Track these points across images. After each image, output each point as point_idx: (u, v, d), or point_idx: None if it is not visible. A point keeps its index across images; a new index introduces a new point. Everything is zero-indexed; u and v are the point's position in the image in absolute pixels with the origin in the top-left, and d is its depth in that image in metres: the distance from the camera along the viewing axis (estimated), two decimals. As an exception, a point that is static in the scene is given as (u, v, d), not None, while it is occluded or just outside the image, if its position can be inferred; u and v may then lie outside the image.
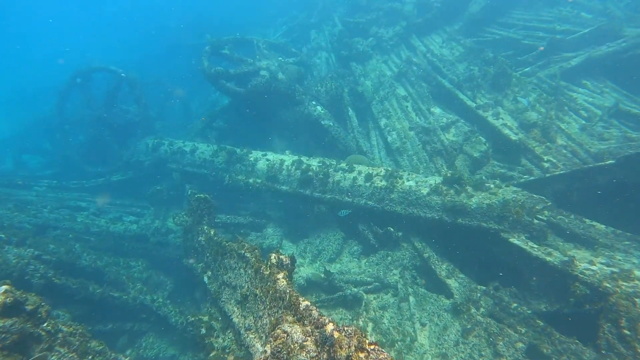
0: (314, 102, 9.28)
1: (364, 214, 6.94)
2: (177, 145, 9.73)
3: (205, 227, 6.18)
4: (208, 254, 5.82)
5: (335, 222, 7.59)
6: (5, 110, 21.04)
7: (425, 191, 6.22)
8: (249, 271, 4.34)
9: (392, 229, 6.53)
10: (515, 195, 5.66)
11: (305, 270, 6.77)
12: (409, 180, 6.48)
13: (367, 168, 7.00)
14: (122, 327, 6.51)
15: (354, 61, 11.01)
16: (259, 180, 7.96)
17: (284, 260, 3.89)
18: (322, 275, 6.32)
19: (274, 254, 3.92)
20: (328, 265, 6.87)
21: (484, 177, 6.75)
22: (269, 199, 8.34)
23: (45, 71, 23.43)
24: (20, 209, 7.71)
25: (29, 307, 3.63)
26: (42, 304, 3.76)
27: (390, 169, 6.75)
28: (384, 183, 6.59)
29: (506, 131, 7.10)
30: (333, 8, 14.76)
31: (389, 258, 6.51)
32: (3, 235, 6.11)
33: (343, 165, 7.19)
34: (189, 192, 7.60)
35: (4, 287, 3.55)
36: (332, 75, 9.95)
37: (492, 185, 5.89)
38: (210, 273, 5.68)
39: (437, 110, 8.43)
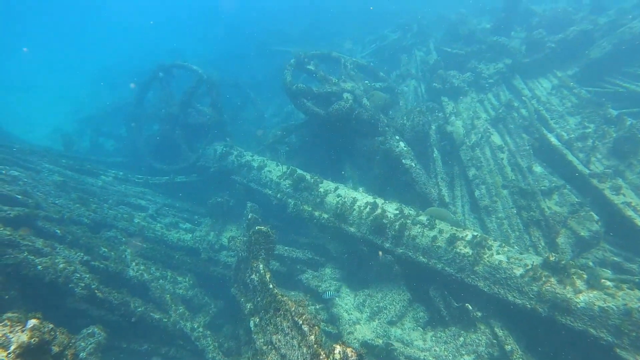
0: (397, 137, 8.53)
1: (439, 279, 6.08)
2: (245, 158, 9.43)
3: (262, 265, 5.67)
4: (259, 299, 5.29)
5: (402, 278, 6.79)
6: (94, 89, 22.34)
7: (518, 272, 5.25)
8: (304, 350, 3.71)
9: (470, 306, 5.61)
10: (641, 305, 4.55)
11: (361, 330, 6.04)
12: (499, 254, 5.53)
13: (450, 228, 6.13)
14: (157, 350, 6.17)
15: (446, 96, 10.11)
16: (325, 216, 7.36)
17: (350, 355, 3.21)
18: (381, 342, 5.58)
19: (339, 347, 3.24)
20: (388, 328, 6.09)
21: (593, 265, 5.62)
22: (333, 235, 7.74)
23: (132, 56, 24.67)
24: (83, 201, 7.71)
25: (55, 349, 3.26)
26: (70, 342, 3.39)
27: (478, 235, 5.83)
28: (468, 250, 5.70)
29: (629, 212, 5.90)
30: (429, 32, 13.94)
31: (461, 339, 5.59)
32: (59, 232, 5.99)
33: (422, 218, 6.38)
34: (250, 216, 7.18)
35: (33, 321, 3.19)
36: (420, 108, 9.13)
37: (609, 284, 4.80)
38: (258, 320, 5.14)
39: (538, 169, 7.35)
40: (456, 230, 6.07)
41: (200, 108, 11.84)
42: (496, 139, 8.37)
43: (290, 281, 7.48)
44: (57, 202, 7.13)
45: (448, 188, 7.88)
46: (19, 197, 6.33)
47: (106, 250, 6.39)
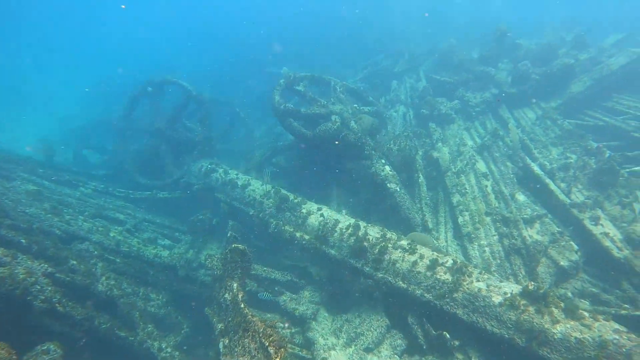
0: (383, 161, 8.55)
1: (418, 305, 5.98)
2: (230, 176, 9.36)
3: (235, 284, 5.55)
4: (230, 319, 5.16)
5: (381, 304, 6.66)
6: (86, 101, 22.27)
7: (497, 300, 5.18)
8: (270, 373, 3.58)
9: (447, 335, 5.50)
10: (617, 337, 4.48)
11: (336, 356, 5.88)
12: (479, 281, 5.47)
13: (431, 253, 6.08)
14: (121, 370, 5.96)
15: (434, 122, 10.23)
16: (307, 237, 7.27)
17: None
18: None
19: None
20: (364, 355, 5.94)
21: (570, 295, 5.58)
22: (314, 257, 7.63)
23: (128, 70, 24.81)
24: (57, 211, 7.55)
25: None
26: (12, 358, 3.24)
27: (458, 260, 5.78)
28: (448, 277, 5.63)
29: (607, 243, 5.90)
30: (420, 61, 14.20)
31: (439, 368, 5.47)
32: (24, 241, 5.81)
33: (404, 243, 6.32)
34: (229, 234, 7.08)
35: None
36: (407, 134, 9.20)
37: (586, 314, 4.75)
38: (227, 342, 4.99)
39: (521, 197, 7.37)
40: (437, 255, 6.01)
41: (189, 125, 11.84)
42: (481, 166, 8.43)
43: (268, 303, 7.32)
44: (27, 211, 6.96)
45: (432, 213, 7.86)
46: (-18, 204, 6.19)
47: (75, 262, 6.20)
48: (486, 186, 7.76)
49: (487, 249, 6.55)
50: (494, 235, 6.69)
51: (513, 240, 6.33)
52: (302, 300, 7.05)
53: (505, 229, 6.66)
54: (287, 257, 8.22)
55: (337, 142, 8.84)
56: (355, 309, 6.89)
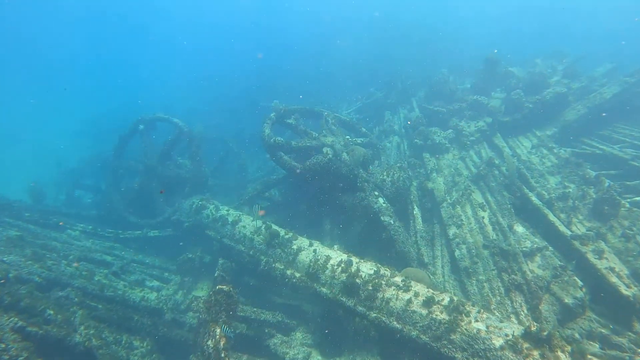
0: (376, 193, 8.32)
1: (414, 347, 5.59)
2: (221, 212, 9.10)
3: (218, 330, 5.19)
4: (213, 369, 4.79)
5: (377, 345, 6.26)
6: (80, 141, 22.26)
7: (498, 343, 4.81)
8: None
9: (447, 381, 5.10)
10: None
11: (329, 406, 5.46)
12: (478, 321, 5.12)
13: (426, 290, 5.74)
14: None
15: (428, 152, 10.06)
16: (297, 275, 6.94)
17: None
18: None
19: None
20: (359, 404, 5.50)
21: (578, 337, 5.21)
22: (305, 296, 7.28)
23: (120, 108, 24.95)
24: (38, 257, 7.23)
25: None
26: None
27: (455, 298, 5.44)
28: (445, 316, 5.28)
29: (613, 279, 5.58)
30: (413, 91, 14.22)
31: (438, 418, 5.03)
32: (-5, 293, 5.49)
33: (398, 279, 5.99)
34: (217, 274, 6.76)
35: None
36: (401, 164, 9.01)
37: None
38: (210, 395, 4.61)
39: (519, 228, 7.09)
40: (433, 293, 5.67)
41: (181, 161, 11.67)
42: (477, 196, 8.19)
43: (259, 346, 6.90)
44: (5, 259, 6.66)
45: (428, 247, 7.56)
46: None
47: (52, 312, 5.85)
48: (483, 217, 7.49)
49: (486, 284, 6.21)
50: (493, 269, 6.37)
51: (513, 276, 6.01)
52: (293, 343, 6.66)
53: (504, 262, 6.35)
54: (280, 296, 7.87)
55: (329, 176, 8.67)
56: (349, 351, 6.50)
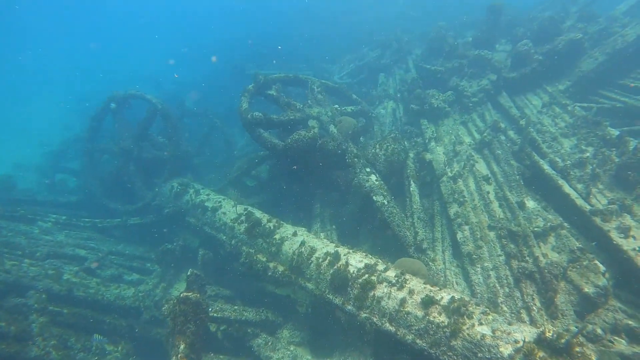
0: (367, 169, 7.44)
1: (410, 353, 4.89)
2: (201, 197, 8.35)
3: (183, 345, 4.52)
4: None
5: (370, 345, 5.59)
6: (68, 120, 21.35)
7: (506, 351, 4.06)
8: None
9: (448, 393, 4.41)
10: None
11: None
12: (482, 324, 4.35)
13: (423, 287, 4.96)
14: None
15: (426, 118, 9.07)
16: (280, 269, 6.23)
17: None
18: None
19: None
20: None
21: (601, 332, 4.44)
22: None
23: (110, 83, 23.92)
24: (-3, 257, 6.62)
25: None
26: None
27: (456, 297, 4.66)
28: (444, 319, 4.52)
29: (642, 263, 4.75)
30: (408, 49, 12.99)
31: None
32: None
33: (390, 274, 5.22)
34: (189, 272, 6.03)
35: None
36: (395, 135, 8.06)
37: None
38: None
39: (530, 203, 6.22)
40: (430, 290, 4.90)
41: (161, 141, 10.83)
42: (482, 167, 7.29)
43: (242, 347, 6.30)
44: (-43, 263, 6.02)
45: (427, 228, 6.74)
46: None
47: (4, 324, 5.24)
48: (488, 192, 6.62)
49: (492, 273, 5.42)
50: (500, 255, 5.56)
51: (523, 263, 5.19)
52: (279, 345, 6.02)
53: (513, 246, 5.53)
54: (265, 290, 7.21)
55: (315, 152, 7.81)
56: (341, 352, 5.85)
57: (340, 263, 5.64)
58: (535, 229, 5.63)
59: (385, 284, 5.13)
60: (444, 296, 4.72)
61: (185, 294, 4.88)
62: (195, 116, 13.64)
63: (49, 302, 6.15)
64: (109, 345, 6.26)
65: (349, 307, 5.30)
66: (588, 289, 4.79)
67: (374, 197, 6.95)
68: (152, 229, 9.32)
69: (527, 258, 5.27)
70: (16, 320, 5.51)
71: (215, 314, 5.74)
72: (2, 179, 10.87)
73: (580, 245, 5.25)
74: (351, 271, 5.46)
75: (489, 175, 6.97)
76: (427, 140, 8.40)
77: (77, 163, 13.99)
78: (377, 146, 7.94)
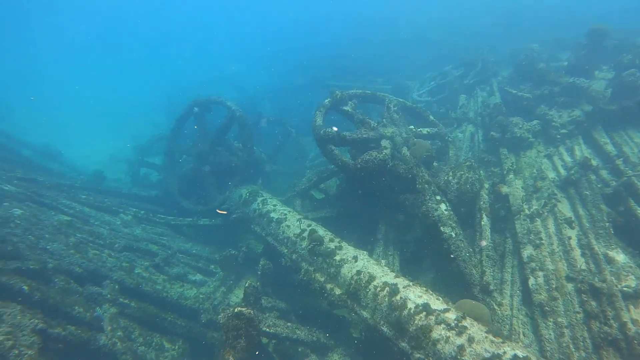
0: (438, 197, 7.15)
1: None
2: (267, 207, 8.56)
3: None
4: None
5: (423, 387, 5.33)
6: (156, 116, 23.07)
7: None
8: None
9: None
10: None
11: None
12: (550, 391, 3.97)
13: (484, 335, 4.62)
14: None
15: (506, 147, 8.53)
16: (337, 292, 6.17)
17: None
18: None
19: None
20: None
21: None
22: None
23: (196, 84, 25.45)
24: (82, 246, 7.22)
25: None
26: None
27: (521, 355, 4.27)
28: (506, 377, 4.18)
29: None
30: (494, 71, 12.34)
31: None
32: (26, 288, 5.40)
33: (450, 316, 4.93)
34: (247, 283, 6.18)
35: None
36: (470, 163, 7.66)
37: None
38: None
39: (620, 257, 5.56)
40: (493, 340, 4.56)
41: (236, 145, 11.31)
42: (565, 208, 6.68)
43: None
44: (48, 247, 6.69)
45: (496, 267, 6.31)
46: (-5, 243, 5.95)
47: (81, 310, 5.74)
48: (570, 237, 6.04)
49: (566, 330, 4.91)
50: (578, 312, 5.03)
51: (606, 327, 4.65)
52: (328, 368, 5.97)
53: (594, 304, 4.97)
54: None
55: (385, 175, 7.69)
56: (391, 387, 5.65)
57: (398, 296, 5.45)
58: (625, 288, 5.02)
59: (443, 325, 4.86)
60: (507, 351, 4.36)
61: (239, 308, 4.99)
62: (270, 123, 14.08)
63: (120, 294, 6.62)
64: (167, 342, 6.59)
65: (403, 344, 5.10)
66: (684, 369, 4.16)
67: (441, 228, 6.65)
68: (219, 231, 9.77)
69: (612, 322, 4.71)
70: (91, 308, 6.02)
71: (267, 329, 5.80)
72: (95, 173, 12.01)
73: (679, 316, 4.58)
74: (409, 306, 5.24)
75: (573, 218, 6.36)
76: (505, 172, 7.89)
77: (159, 159, 15.14)
78: (451, 173, 7.62)
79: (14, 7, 59.02)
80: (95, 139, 25.27)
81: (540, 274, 5.71)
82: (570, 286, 5.36)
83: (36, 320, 4.95)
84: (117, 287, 6.72)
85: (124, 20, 63.67)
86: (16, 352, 4.43)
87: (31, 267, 5.86)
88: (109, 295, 6.38)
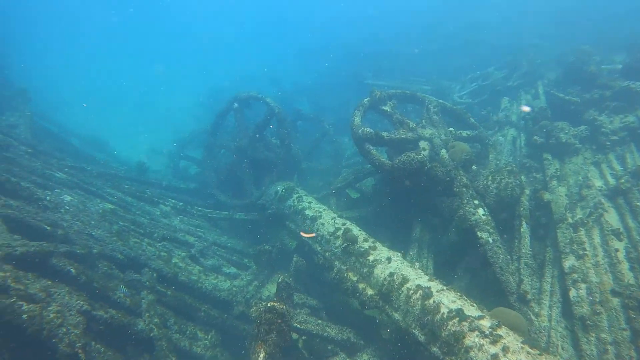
0: (475, 201, 7.00)
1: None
2: (302, 204, 8.64)
3: (262, 354, 4.73)
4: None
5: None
6: (196, 111, 23.70)
7: None
8: None
9: None
10: None
11: None
12: (589, 408, 3.82)
13: (520, 346, 4.50)
14: None
15: (550, 153, 8.22)
16: (369, 292, 6.17)
17: None
18: None
19: None
20: None
21: None
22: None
23: (234, 81, 25.94)
24: (124, 234, 7.56)
25: None
26: None
27: (559, 368, 4.15)
28: (542, 390, 4.06)
29: None
30: (540, 73, 11.89)
31: None
32: (73, 271, 5.71)
33: (485, 323, 4.83)
34: (280, 279, 6.27)
35: None
36: (511, 168, 7.45)
37: None
38: None
39: (671, 273, 5.26)
40: (528, 352, 4.44)
41: (274, 141, 11.48)
42: (612, 218, 6.37)
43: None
44: (93, 233, 7.05)
45: (534, 277, 6.11)
46: (47, 227, 6.30)
47: (122, 296, 6.03)
48: (617, 250, 5.77)
49: (610, 348, 4.71)
50: (624, 329, 4.80)
51: (653, 345, 4.43)
52: (356, 368, 5.99)
53: (640, 320, 4.74)
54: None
55: (422, 177, 7.58)
56: (419, 391, 5.60)
57: (431, 300, 5.39)
58: (675, 306, 4.75)
59: (477, 332, 4.77)
60: (545, 363, 4.23)
61: (272, 303, 5.10)
62: (308, 120, 14.18)
63: (157, 282, 6.89)
64: (200, 332, 6.80)
65: (434, 349, 5.04)
66: None
67: (478, 233, 6.52)
68: (255, 226, 9.96)
69: (659, 340, 4.48)
70: (131, 294, 6.31)
71: (298, 325, 5.87)
72: (138, 164, 12.53)
73: None
74: (442, 311, 5.18)
75: (621, 229, 6.07)
76: (547, 178, 7.61)
77: (199, 153, 15.59)
78: (490, 177, 7.42)
79: (74, 7, 62.40)
80: (139, 131, 26.39)
81: (583, 285, 5.49)
82: (615, 301, 5.12)
83: (82, 302, 5.23)
84: (155, 275, 6.99)
85: (180, 23, 66.27)
86: (64, 330, 4.71)
87: (78, 251, 6.19)
88: (147, 283, 6.65)
